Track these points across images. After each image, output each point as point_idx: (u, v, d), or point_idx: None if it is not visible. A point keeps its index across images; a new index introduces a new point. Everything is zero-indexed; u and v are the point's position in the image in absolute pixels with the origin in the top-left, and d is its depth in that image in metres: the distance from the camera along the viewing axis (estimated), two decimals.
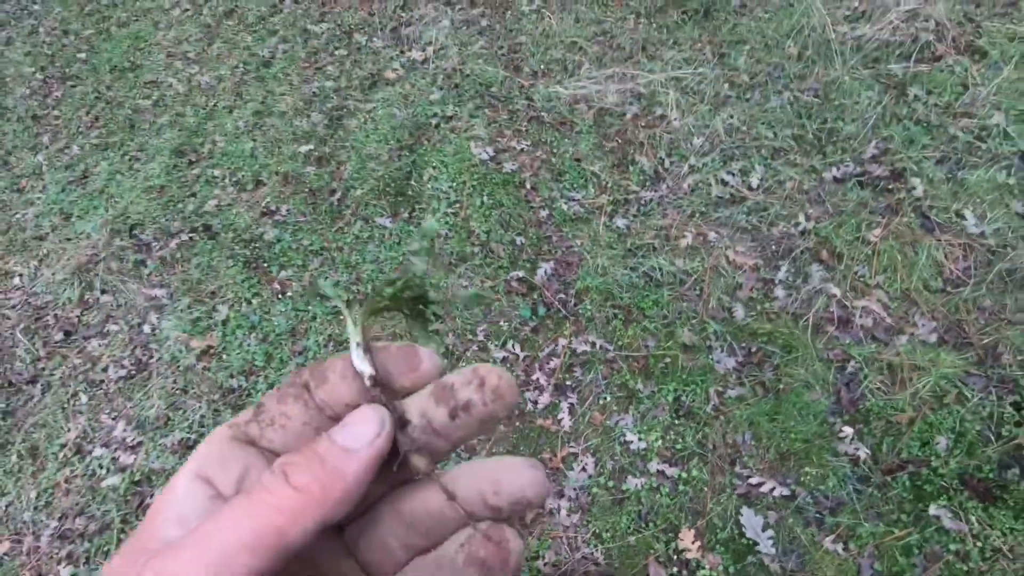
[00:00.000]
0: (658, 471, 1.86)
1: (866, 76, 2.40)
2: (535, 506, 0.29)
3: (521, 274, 2.34)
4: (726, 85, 2.57)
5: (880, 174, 2.17)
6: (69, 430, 2.42)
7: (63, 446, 2.39)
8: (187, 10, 3.86)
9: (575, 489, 1.91)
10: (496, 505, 0.28)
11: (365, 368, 0.29)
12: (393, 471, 0.28)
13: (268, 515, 0.23)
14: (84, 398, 2.49)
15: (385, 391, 0.29)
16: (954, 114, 2.22)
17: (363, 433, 0.26)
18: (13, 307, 2.78)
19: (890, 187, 2.15)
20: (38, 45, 3.92)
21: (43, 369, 2.60)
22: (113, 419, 2.44)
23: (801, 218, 2.17)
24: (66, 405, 2.48)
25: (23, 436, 2.44)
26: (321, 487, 0.24)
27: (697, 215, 2.29)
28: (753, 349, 2.00)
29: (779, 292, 2.08)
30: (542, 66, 2.92)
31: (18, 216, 3.14)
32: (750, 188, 2.29)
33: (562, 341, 2.18)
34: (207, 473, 0.27)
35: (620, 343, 2.12)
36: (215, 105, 3.31)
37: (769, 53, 2.61)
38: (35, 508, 2.28)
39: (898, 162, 2.18)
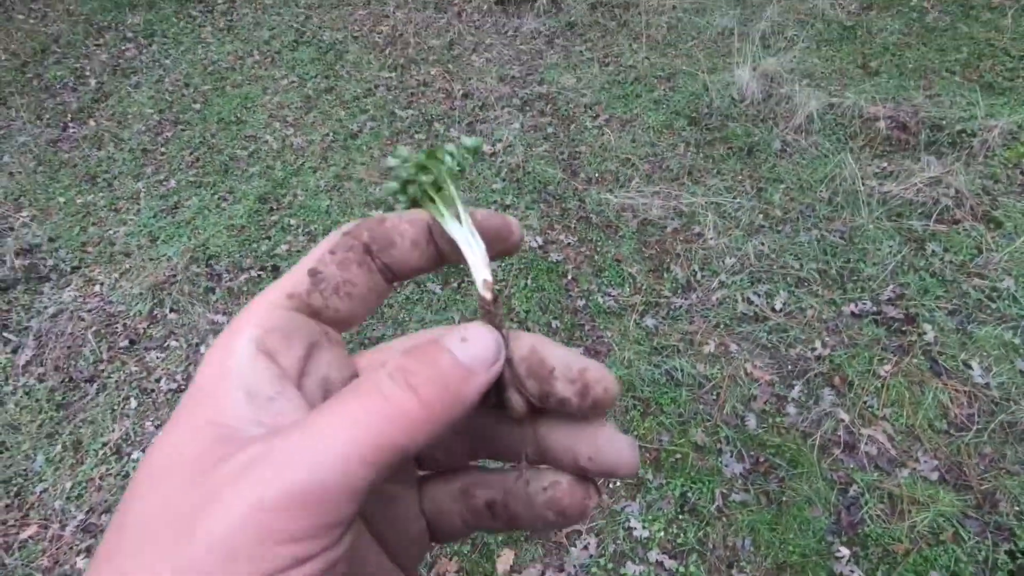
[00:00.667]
0: (657, 561, 1.94)
1: (889, 227, 2.65)
2: (620, 478, 0.28)
3: None
4: (760, 216, 2.84)
5: (895, 316, 2.36)
6: (114, 431, 2.61)
7: (105, 444, 2.56)
8: (293, 82, 4.42)
9: (575, 566, 1.98)
10: (585, 468, 0.27)
11: (486, 275, 0.28)
12: (491, 402, 0.27)
13: (390, 427, 0.21)
14: (134, 403, 2.69)
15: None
16: (968, 273, 2.43)
17: (484, 355, 0.24)
18: (89, 311, 3.06)
19: (903, 329, 2.32)
20: (161, 92, 4.50)
21: (102, 371, 2.83)
22: (156, 427, 2.62)
23: (818, 344, 2.35)
24: (116, 407, 2.68)
25: (71, 429, 2.63)
26: (443, 405, 0.22)
27: (722, 326, 2.49)
28: (761, 459, 2.12)
29: (791, 409, 2.21)
30: (596, 174, 3.26)
31: (110, 232, 3.51)
32: (773, 310, 2.49)
33: None
34: (270, 347, 0.25)
35: (636, 433, 2.26)
36: (302, 164, 3.73)
37: (803, 194, 2.90)
38: (67, 498, 2.42)
39: (912, 308, 2.36)
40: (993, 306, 2.31)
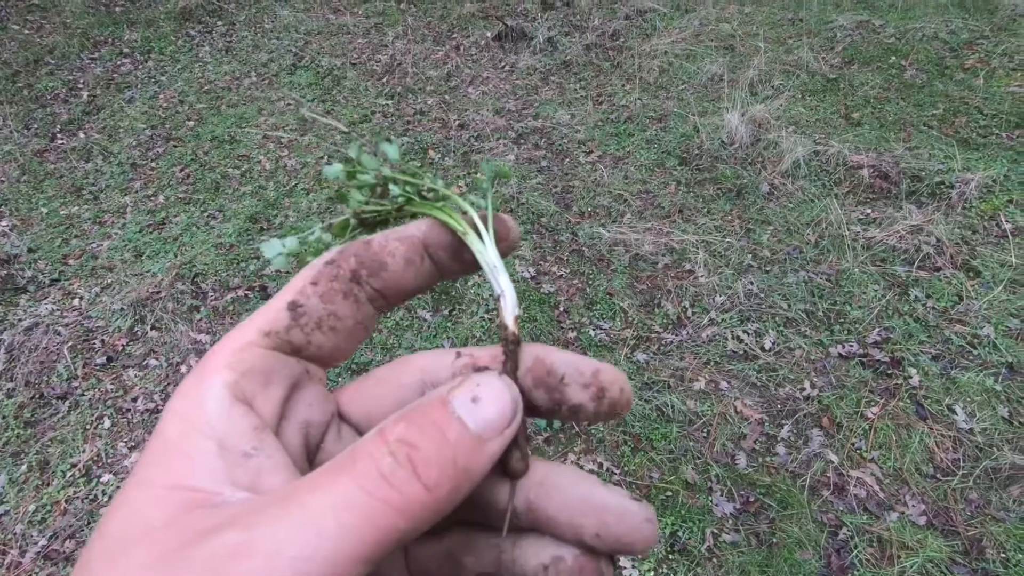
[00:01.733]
0: None
1: (873, 272, 2.72)
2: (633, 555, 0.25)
3: None
4: (749, 256, 2.90)
5: (881, 359, 2.40)
6: (84, 451, 2.50)
7: (74, 465, 2.45)
8: (290, 104, 4.44)
9: None
10: (590, 545, 0.24)
11: (517, 309, 0.26)
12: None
13: (390, 515, 0.19)
14: (107, 423, 2.59)
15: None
16: (950, 319, 2.49)
17: (499, 420, 0.22)
18: (67, 325, 2.97)
19: (889, 372, 2.36)
20: (155, 108, 4.48)
21: (76, 388, 2.73)
22: (129, 448, 2.52)
23: (807, 384, 2.37)
24: (88, 426, 2.58)
25: (39, 448, 2.51)
26: (450, 488, 0.20)
27: (712, 363, 2.50)
28: (751, 499, 2.11)
29: (780, 449, 2.22)
30: (589, 209, 3.31)
31: (93, 245, 3.43)
32: (763, 349, 2.52)
33: (571, 456, 2.30)
34: (246, 392, 0.22)
35: (626, 469, 2.24)
36: (295, 185, 3.72)
37: (790, 236, 2.97)
38: (29, 522, 2.30)
39: (897, 351, 2.41)
40: (975, 352, 2.36)
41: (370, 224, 0.31)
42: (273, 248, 0.30)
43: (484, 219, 0.28)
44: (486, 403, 0.22)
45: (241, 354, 0.23)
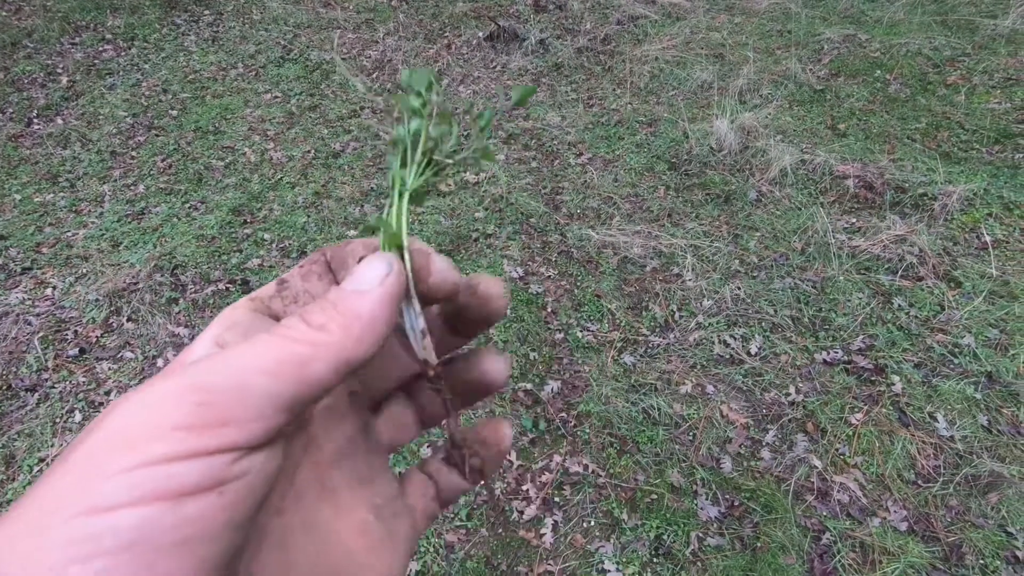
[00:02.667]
0: None
1: (858, 280, 2.75)
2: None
3: (529, 387, 2.49)
4: (737, 261, 2.91)
5: (864, 365, 2.42)
6: (53, 445, 2.41)
7: (41, 460, 2.36)
8: (277, 97, 4.37)
9: None
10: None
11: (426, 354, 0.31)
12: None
13: (289, 346, 0.23)
14: (78, 416, 2.50)
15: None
16: (932, 328, 2.52)
17: (371, 275, 0.26)
18: (38, 315, 2.87)
19: (873, 379, 2.38)
20: (137, 96, 4.38)
21: (46, 380, 2.64)
22: None
23: (792, 390, 2.38)
24: (58, 420, 2.49)
25: (4, 442, 2.42)
26: (339, 326, 0.24)
27: (699, 367, 2.50)
28: (736, 503, 2.10)
29: (765, 453, 2.22)
30: (579, 210, 3.30)
31: (69, 234, 3.33)
32: (749, 354, 2.52)
33: (557, 458, 2.28)
34: (227, 340, 0.27)
35: (612, 471, 2.22)
36: (280, 179, 3.66)
37: (777, 243, 2.99)
38: None
39: (881, 359, 2.43)
40: (956, 361, 2.40)
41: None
42: None
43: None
44: (359, 270, 0.27)
45: (231, 314, 0.28)
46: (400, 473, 0.34)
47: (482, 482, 0.34)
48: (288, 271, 0.31)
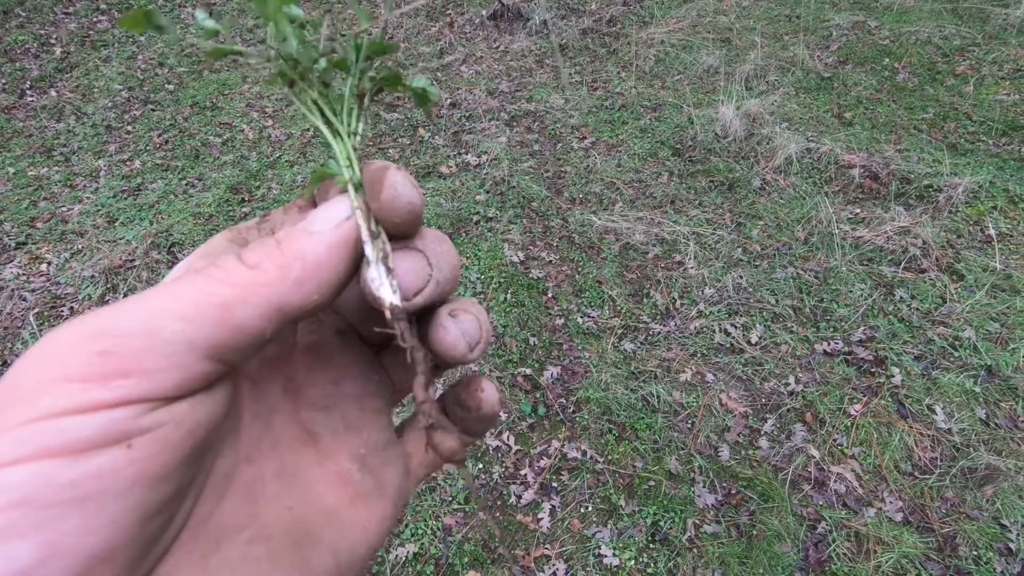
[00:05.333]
0: None
1: (860, 271, 2.73)
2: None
3: (528, 372, 2.48)
4: (739, 249, 2.89)
5: (865, 357, 2.42)
6: None
7: None
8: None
9: None
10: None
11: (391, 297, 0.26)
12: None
13: (212, 287, 0.21)
14: None
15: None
16: (933, 320, 2.52)
17: (327, 216, 0.24)
18: (33, 291, 2.84)
19: (872, 371, 2.38)
20: (132, 69, 4.29)
21: None
22: None
23: (791, 380, 2.38)
24: None
25: None
26: (276, 266, 0.22)
27: (699, 355, 2.50)
28: (733, 491, 2.11)
29: (763, 443, 2.23)
30: (581, 195, 3.27)
31: (63, 209, 3.29)
32: (749, 343, 2.52)
33: (555, 443, 2.28)
34: (197, 267, 0.25)
35: (610, 457, 2.22)
36: (279, 157, 3.61)
37: (780, 232, 2.97)
38: None
39: (881, 350, 2.43)
40: (956, 354, 2.40)
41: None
42: None
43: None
44: (317, 210, 0.25)
45: (208, 244, 0.27)
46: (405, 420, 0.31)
47: (470, 443, 0.31)
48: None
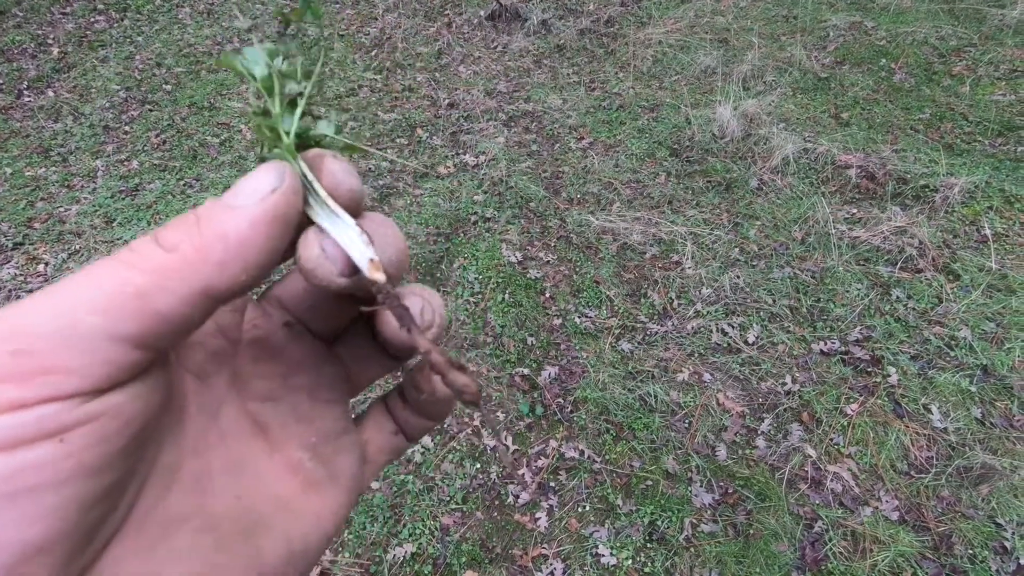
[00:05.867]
0: None
1: (857, 271, 2.74)
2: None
3: (526, 371, 2.49)
4: (736, 250, 2.90)
5: (861, 356, 2.42)
6: None
7: None
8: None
9: None
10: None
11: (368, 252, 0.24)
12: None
13: (126, 274, 0.20)
14: None
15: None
16: (929, 320, 2.53)
17: (251, 188, 0.22)
18: (30, 291, 2.84)
19: (869, 370, 2.39)
20: (130, 69, 4.29)
21: None
22: None
23: (788, 379, 2.39)
24: None
25: None
26: (194, 248, 0.21)
27: (696, 355, 2.50)
28: (730, 490, 2.12)
29: (760, 442, 2.23)
30: (579, 195, 3.27)
31: (61, 209, 3.29)
32: (746, 343, 2.53)
33: (553, 443, 2.28)
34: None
35: (607, 457, 2.23)
36: None
37: (777, 232, 2.98)
38: None
39: (878, 350, 2.44)
40: (952, 354, 2.41)
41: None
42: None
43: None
44: (243, 180, 0.23)
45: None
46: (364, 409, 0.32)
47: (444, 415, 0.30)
48: None
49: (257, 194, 0.22)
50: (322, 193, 0.24)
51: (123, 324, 0.19)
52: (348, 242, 0.24)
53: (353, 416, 0.31)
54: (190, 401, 0.25)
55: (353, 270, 0.24)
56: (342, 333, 0.31)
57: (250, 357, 0.28)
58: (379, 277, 0.24)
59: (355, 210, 0.25)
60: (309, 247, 0.23)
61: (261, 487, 0.26)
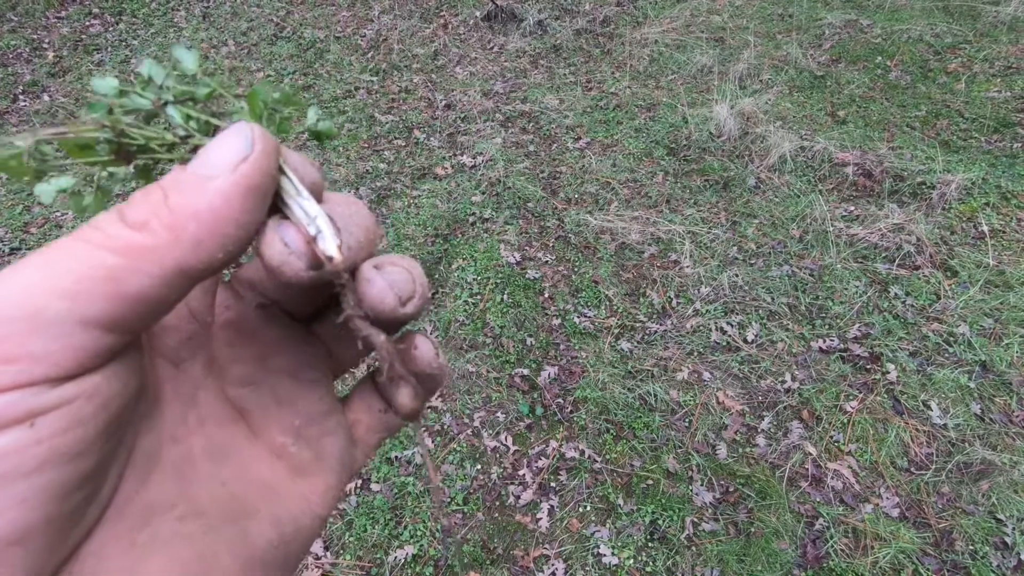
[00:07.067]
0: None
1: (855, 268, 2.75)
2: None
3: (526, 372, 2.49)
4: (735, 248, 2.90)
5: (860, 354, 2.43)
6: None
7: None
8: (270, 76, 4.29)
9: None
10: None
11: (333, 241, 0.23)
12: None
13: (94, 256, 0.19)
14: None
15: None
16: (927, 317, 2.53)
17: (221, 156, 0.21)
18: None
19: (868, 367, 2.39)
20: (125, 73, 4.28)
21: None
22: None
23: (788, 377, 2.39)
24: None
25: None
26: (165, 227, 0.19)
27: (695, 354, 2.50)
28: (731, 488, 2.12)
29: (760, 440, 2.23)
30: (576, 195, 3.28)
31: (58, 214, 3.28)
32: (745, 341, 2.53)
33: (553, 443, 2.28)
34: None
35: (608, 456, 2.23)
36: None
37: (775, 230, 2.98)
38: None
39: (876, 347, 2.44)
40: (950, 350, 2.41)
41: (134, 155, 0.26)
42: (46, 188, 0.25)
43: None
44: (210, 146, 0.21)
45: None
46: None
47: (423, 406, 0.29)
48: None
49: (228, 162, 0.20)
50: (291, 175, 0.23)
51: (94, 308, 0.18)
52: (319, 230, 0.22)
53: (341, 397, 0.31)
54: (165, 387, 0.24)
55: (319, 263, 0.22)
56: (321, 310, 0.30)
57: (224, 341, 0.27)
58: (338, 266, 0.23)
59: (317, 198, 0.24)
60: (270, 243, 0.22)
61: (246, 472, 0.26)
